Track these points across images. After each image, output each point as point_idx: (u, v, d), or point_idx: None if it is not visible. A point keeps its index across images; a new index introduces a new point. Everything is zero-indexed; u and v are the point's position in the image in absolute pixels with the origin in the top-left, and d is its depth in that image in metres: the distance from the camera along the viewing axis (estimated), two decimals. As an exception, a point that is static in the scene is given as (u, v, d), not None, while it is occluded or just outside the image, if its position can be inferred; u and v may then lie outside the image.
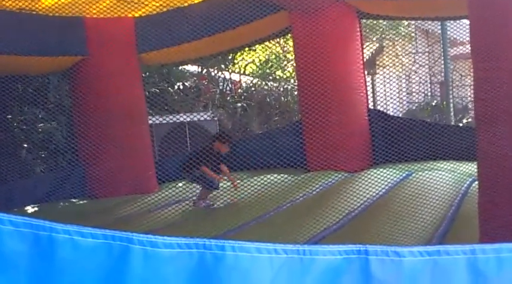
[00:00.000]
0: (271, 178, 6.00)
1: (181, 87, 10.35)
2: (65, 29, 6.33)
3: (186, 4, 6.92)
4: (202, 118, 9.02)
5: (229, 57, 11.28)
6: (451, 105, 10.14)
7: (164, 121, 8.23)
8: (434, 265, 1.58)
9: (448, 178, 5.42)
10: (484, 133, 2.56)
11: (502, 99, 2.42)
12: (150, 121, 7.87)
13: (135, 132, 6.82)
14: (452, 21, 9.01)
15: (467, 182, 5.30)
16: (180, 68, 10.36)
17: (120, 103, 6.56)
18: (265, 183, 5.69)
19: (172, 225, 4.76)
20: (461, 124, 10.45)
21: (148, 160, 7.07)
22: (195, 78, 10.95)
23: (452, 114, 10.12)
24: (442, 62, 10.61)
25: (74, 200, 6.55)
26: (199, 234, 4.00)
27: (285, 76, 11.61)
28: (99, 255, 1.45)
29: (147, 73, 9.22)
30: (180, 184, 6.12)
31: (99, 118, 6.41)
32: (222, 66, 11.22)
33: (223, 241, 1.57)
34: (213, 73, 11.27)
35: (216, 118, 9.30)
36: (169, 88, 9.87)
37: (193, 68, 11.21)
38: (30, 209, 6.06)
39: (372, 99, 11.45)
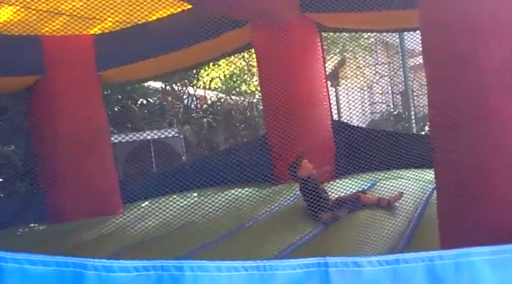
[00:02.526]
0: (237, 193, 5.95)
1: (144, 103, 10.24)
2: (19, 48, 6.17)
3: (146, 20, 6.87)
4: (167, 135, 8.92)
5: (194, 73, 11.24)
6: (412, 113, 10.39)
7: (127, 140, 8.09)
8: (394, 273, 1.59)
9: (411, 186, 5.50)
10: (438, 140, 2.62)
11: (452, 106, 2.48)
12: (112, 140, 7.71)
13: (97, 152, 6.67)
14: (409, 33, 9.25)
15: (430, 190, 5.39)
16: (143, 84, 10.25)
17: (79, 123, 6.41)
18: (231, 198, 5.64)
19: (136, 246, 4.65)
20: (423, 133, 10.69)
21: (111, 180, 6.92)
22: (158, 95, 10.85)
23: (414, 122, 10.35)
24: (402, 72, 10.88)
25: (34, 225, 6.32)
26: (163, 256, 3.91)
27: (249, 91, 11.65)
28: (50, 283, 1.39)
29: (109, 91, 9.06)
30: (144, 205, 5.99)
31: (58, 139, 6.24)
32: (186, 81, 11.16)
33: (181, 261, 1.52)
34: (177, 89, 11.20)
35: (181, 135, 9.22)
36: (133, 106, 9.74)
37: (156, 84, 11.11)
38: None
39: (336, 111, 11.60)
